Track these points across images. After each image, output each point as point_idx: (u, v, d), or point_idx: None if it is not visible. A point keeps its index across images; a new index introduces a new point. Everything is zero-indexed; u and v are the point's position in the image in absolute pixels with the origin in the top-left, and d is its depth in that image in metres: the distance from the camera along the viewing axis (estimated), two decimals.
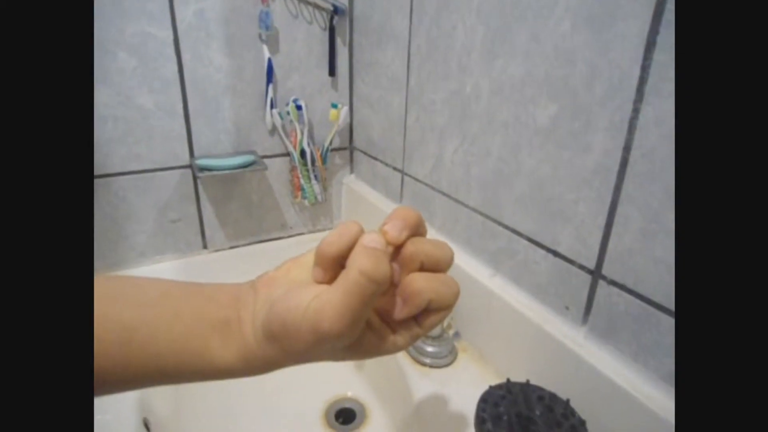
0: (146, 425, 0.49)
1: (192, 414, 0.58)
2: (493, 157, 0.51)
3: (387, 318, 0.27)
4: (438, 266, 0.27)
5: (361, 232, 0.26)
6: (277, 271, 0.28)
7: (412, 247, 0.27)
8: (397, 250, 0.27)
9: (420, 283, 0.26)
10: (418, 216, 0.27)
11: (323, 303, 0.23)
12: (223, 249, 0.81)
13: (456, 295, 0.27)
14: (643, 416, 0.37)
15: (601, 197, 0.39)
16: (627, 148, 0.36)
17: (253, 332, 0.26)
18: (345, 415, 0.62)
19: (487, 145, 0.52)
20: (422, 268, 0.27)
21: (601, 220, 0.39)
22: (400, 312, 0.26)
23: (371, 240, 0.25)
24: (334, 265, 0.26)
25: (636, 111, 0.35)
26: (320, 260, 0.26)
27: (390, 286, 0.28)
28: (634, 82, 0.35)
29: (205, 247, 0.80)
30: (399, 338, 0.27)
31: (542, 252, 0.47)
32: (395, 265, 0.27)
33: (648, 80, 0.34)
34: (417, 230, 0.27)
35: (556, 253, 0.45)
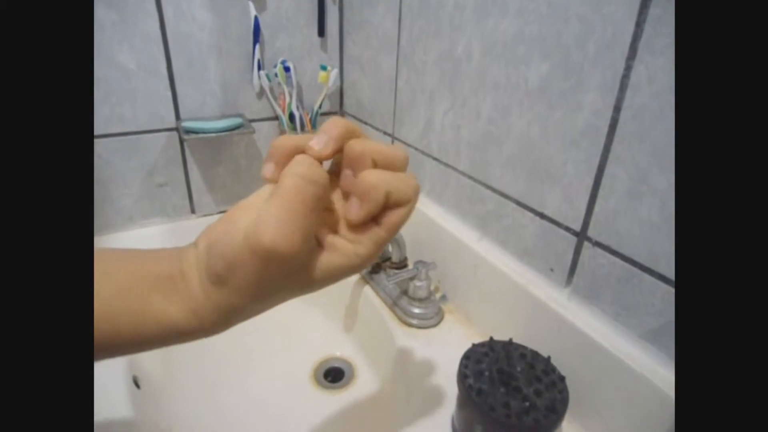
0: (136, 383, 0.50)
1: (181, 374, 0.59)
2: (483, 119, 0.50)
3: (340, 230, 0.26)
4: (392, 165, 0.26)
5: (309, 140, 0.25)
6: (217, 221, 0.26)
7: (358, 147, 0.25)
8: (340, 153, 0.25)
9: (374, 177, 0.24)
10: (345, 125, 0.25)
11: (260, 218, 0.22)
12: (212, 214, 0.80)
13: (415, 189, 0.26)
14: (620, 372, 0.38)
15: (589, 158, 0.39)
16: (617, 108, 0.36)
17: (199, 282, 0.24)
18: (334, 374, 0.64)
19: (477, 106, 0.51)
20: (376, 167, 0.25)
21: (589, 181, 0.39)
22: (358, 212, 0.24)
23: (308, 148, 0.24)
24: (289, 160, 0.24)
25: (628, 69, 0.34)
26: (273, 153, 0.25)
27: (342, 195, 0.27)
28: (628, 38, 0.34)
29: (193, 211, 0.79)
30: (360, 247, 0.25)
31: (530, 215, 0.47)
32: (347, 171, 0.25)
33: (642, 36, 0.33)
34: (350, 137, 0.25)
35: (543, 216, 0.45)
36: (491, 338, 0.43)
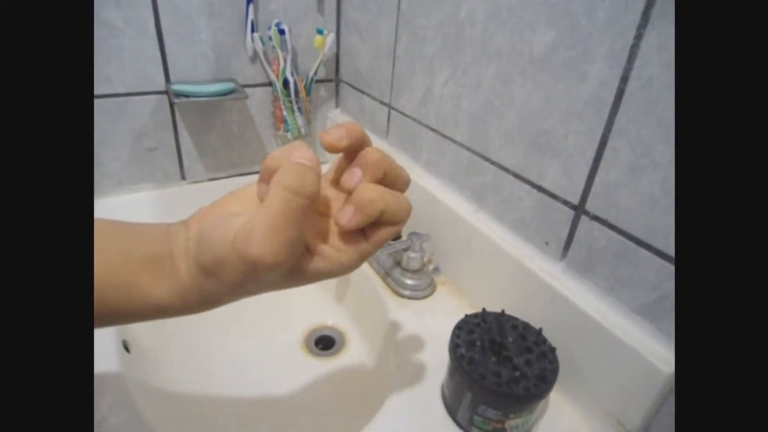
0: (125, 347, 0.50)
1: (172, 339, 0.59)
2: (484, 89, 0.49)
3: (329, 237, 0.26)
4: (396, 183, 0.27)
5: (312, 151, 0.25)
6: (212, 205, 0.27)
7: (377, 154, 0.26)
8: (354, 155, 0.26)
9: (373, 192, 0.25)
10: (361, 130, 0.26)
11: (249, 228, 0.22)
12: (203, 181, 0.79)
13: (408, 212, 0.27)
14: (611, 344, 0.38)
15: (592, 130, 0.38)
16: (625, 78, 0.35)
17: (186, 268, 0.25)
18: (325, 342, 0.64)
19: (478, 75, 0.49)
20: (381, 182, 0.26)
21: (590, 154, 0.39)
22: (350, 220, 0.25)
23: (299, 155, 0.24)
24: None
25: (639, 37, 0.33)
26: (265, 174, 0.25)
27: (344, 196, 0.27)
28: (641, 4, 0.32)
29: (183, 177, 0.77)
30: (344, 256, 0.26)
31: (527, 187, 0.46)
32: (357, 170, 0.26)
33: (656, 2, 0.32)
34: (360, 143, 0.26)
35: (540, 189, 0.45)
36: (484, 309, 0.43)
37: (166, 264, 0.25)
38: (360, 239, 0.26)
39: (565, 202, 0.42)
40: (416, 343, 0.51)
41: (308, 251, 0.25)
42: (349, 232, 0.26)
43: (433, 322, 0.53)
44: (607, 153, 0.37)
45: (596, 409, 0.41)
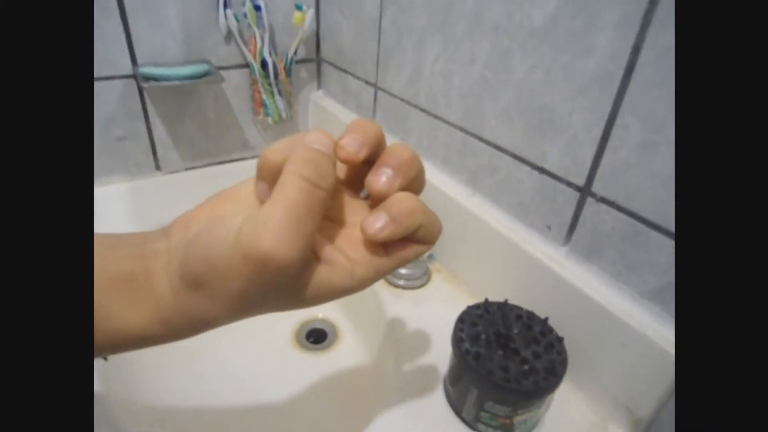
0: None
1: None
2: (478, 65, 0.46)
3: (340, 244, 0.23)
4: (420, 188, 0.24)
5: (327, 134, 0.22)
6: (197, 209, 0.23)
7: (407, 152, 0.23)
8: (376, 155, 0.23)
9: (413, 203, 0.22)
10: (379, 130, 0.23)
11: (261, 220, 0.19)
12: (179, 171, 0.74)
13: (440, 232, 0.24)
14: (620, 331, 0.36)
15: (599, 106, 0.36)
16: (636, 48, 0.32)
17: (168, 283, 0.21)
18: (316, 335, 0.61)
19: (472, 50, 0.46)
20: (409, 187, 0.23)
21: (597, 132, 0.36)
22: (381, 230, 0.21)
23: (314, 140, 0.21)
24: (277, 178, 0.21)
25: (654, 2, 0.30)
26: (265, 171, 0.22)
27: (346, 201, 0.25)
28: None
29: (158, 168, 0.73)
30: (358, 268, 0.22)
31: (527, 169, 0.44)
32: (388, 170, 0.23)
33: None
34: (378, 148, 0.23)
35: (542, 170, 0.42)
36: (486, 300, 0.41)
37: (142, 284, 0.21)
38: (380, 252, 0.23)
39: (569, 184, 0.40)
40: (414, 335, 0.48)
41: (316, 258, 0.21)
42: (372, 244, 0.23)
43: (430, 312, 0.51)
44: (616, 131, 0.35)
45: (605, 398, 0.39)
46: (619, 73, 0.34)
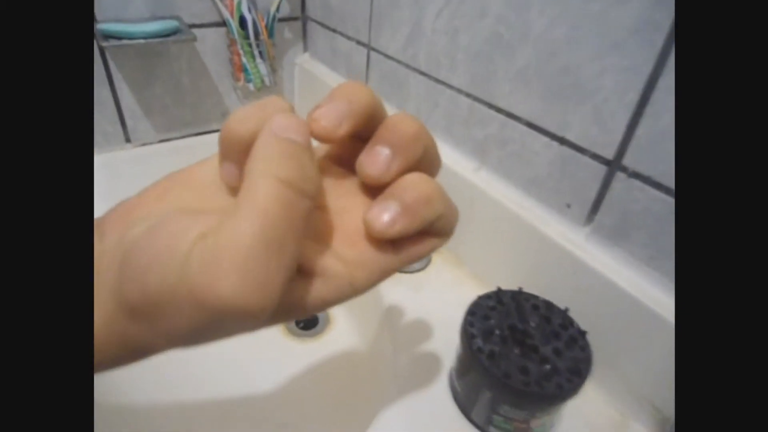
0: None
1: None
2: (489, 19, 0.40)
3: (332, 243, 0.18)
4: (431, 168, 0.20)
5: (290, 109, 0.17)
6: (142, 196, 0.18)
7: (412, 126, 0.18)
8: (366, 129, 0.18)
9: (430, 187, 0.17)
10: (370, 96, 0.18)
11: (222, 248, 0.13)
12: (152, 143, 0.68)
13: (457, 219, 0.19)
14: (650, 323, 0.32)
15: (637, 65, 0.30)
16: None
17: (101, 303, 0.15)
18: (306, 321, 0.57)
19: (482, 3, 0.40)
20: (417, 168, 0.18)
21: (633, 97, 0.31)
22: (392, 224, 0.16)
23: (285, 127, 0.15)
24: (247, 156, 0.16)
25: None
26: (231, 148, 0.17)
27: (370, 187, 0.19)
28: None
29: (128, 140, 0.66)
30: (358, 272, 0.17)
31: (544, 139, 0.38)
32: (384, 149, 0.18)
33: None
34: (372, 119, 0.18)
35: (562, 141, 0.37)
36: (499, 289, 0.36)
37: None
38: (386, 248, 0.18)
39: (595, 156, 0.35)
40: (414, 323, 0.44)
41: (301, 271, 0.16)
42: (377, 241, 0.17)
43: (431, 299, 0.46)
44: (658, 94, 0.30)
45: (628, 395, 0.36)
46: (666, 23, 0.28)
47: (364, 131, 0.18)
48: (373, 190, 0.18)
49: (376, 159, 0.17)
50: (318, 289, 0.16)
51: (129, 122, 0.64)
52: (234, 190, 0.18)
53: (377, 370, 0.46)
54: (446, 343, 0.41)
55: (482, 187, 0.45)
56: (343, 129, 0.17)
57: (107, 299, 0.15)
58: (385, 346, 0.45)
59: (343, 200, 0.19)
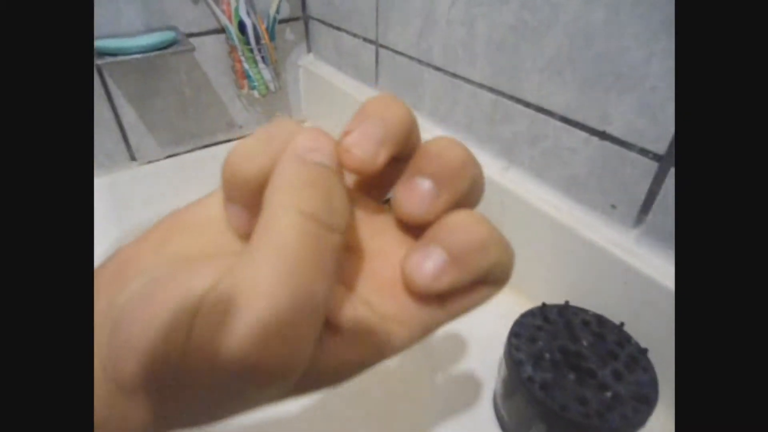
0: None
1: None
2: (512, 4, 0.36)
3: (367, 293, 0.15)
4: (476, 202, 0.17)
5: (322, 132, 0.14)
6: (139, 243, 0.15)
7: (459, 151, 0.15)
8: (406, 150, 0.15)
9: (486, 230, 0.14)
10: (406, 113, 0.15)
11: (232, 296, 0.11)
12: (158, 159, 0.65)
13: (513, 262, 0.16)
14: None
15: None
16: None
17: (95, 378, 0.13)
18: None
19: None
20: (462, 203, 0.15)
21: None
22: (438, 276, 0.14)
23: (310, 146, 0.13)
24: (257, 196, 0.13)
25: None
26: (236, 189, 0.14)
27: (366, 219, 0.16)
28: None
29: (133, 158, 0.63)
30: (399, 330, 0.14)
31: (582, 135, 0.35)
32: (425, 181, 0.15)
33: None
34: (408, 140, 0.15)
35: (603, 135, 0.33)
36: (544, 304, 0.33)
37: None
38: (431, 301, 0.14)
39: (644, 152, 0.31)
40: (451, 339, 0.41)
41: (329, 327, 0.13)
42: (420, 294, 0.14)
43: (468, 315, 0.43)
44: None
45: None
46: None
47: (399, 153, 0.15)
48: (413, 227, 0.16)
49: (416, 194, 0.15)
50: (351, 349, 0.14)
51: (132, 140, 0.62)
52: (245, 236, 0.15)
53: (413, 389, 0.44)
54: (486, 361, 0.37)
55: (512, 189, 0.41)
56: (381, 158, 0.14)
57: (99, 378, 0.12)
58: (421, 363, 0.42)
59: (377, 240, 0.16)
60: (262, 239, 0.11)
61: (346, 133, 0.14)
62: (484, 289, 0.15)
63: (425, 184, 0.14)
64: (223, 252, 0.14)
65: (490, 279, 0.15)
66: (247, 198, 0.14)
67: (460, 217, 0.14)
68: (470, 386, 0.37)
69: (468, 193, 0.15)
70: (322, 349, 0.13)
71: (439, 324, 0.15)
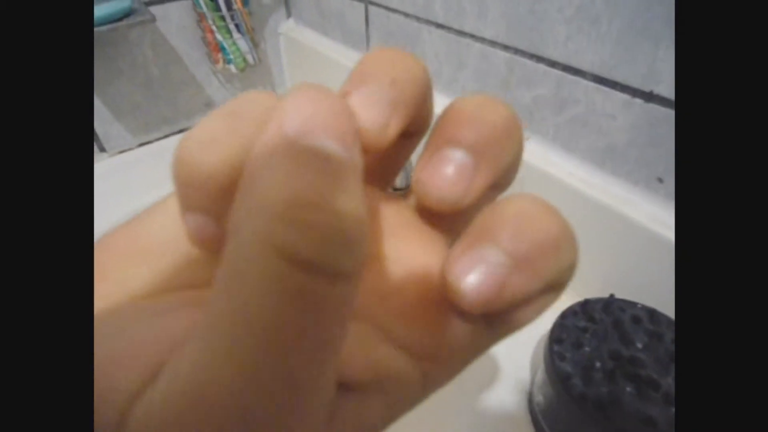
0: None
1: None
2: None
3: (394, 326, 0.10)
4: (509, 180, 0.13)
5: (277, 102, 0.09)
6: (99, 285, 0.10)
7: (503, 111, 0.11)
8: (419, 120, 0.11)
9: (556, 223, 0.10)
10: (419, 67, 0.11)
11: (167, 406, 0.07)
12: (130, 149, 0.59)
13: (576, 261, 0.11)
14: None
15: None
16: None
17: None
18: None
19: None
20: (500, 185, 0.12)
21: None
22: (500, 289, 0.09)
23: (305, 120, 0.08)
24: (228, 199, 0.08)
25: None
26: (191, 192, 0.09)
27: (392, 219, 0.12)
28: None
29: (102, 149, 0.57)
30: (434, 367, 0.10)
31: (623, 97, 0.29)
32: (460, 155, 0.10)
33: None
34: (424, 104, 0.11)
35: (650, 97, 0.28)
36: (586, 300, 0.28)
37: None
38: (477, 320, 0.10)
39: None
40: None
41: (342, 385, 0.09)
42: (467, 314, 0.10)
43: None
44: None
45: None
46: None
47: (411, 124, 0.11)
48: (443, 220, 0.12)
49: (448, 172, 0.10)
50: (373, 408, 0.10)
51: (99, 128, 0.55)
52: (217, 250, 0.10)
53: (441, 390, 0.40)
54: (519, 364, 0.33)
55: (533, 163, 0.36)
56: (393, 128, 0.10)
57: None
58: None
59: (394, 243, 0.11)
60: (220, 298, 0.07)
61: (348, 91, 0.10)
62: (542, 298, 0.11)
63: (458, 157, 0.10)
64: (191, 283, 0.10)
65: (555, 285, 0.10)
66: (210, 204, 0.09)
67: (522, 205, 0.10)
68: (504, 394, 0.33)
69: (509, 169, 0.11)
70: (334, 417, 0.09)
71: (482, 351, 0.11)
